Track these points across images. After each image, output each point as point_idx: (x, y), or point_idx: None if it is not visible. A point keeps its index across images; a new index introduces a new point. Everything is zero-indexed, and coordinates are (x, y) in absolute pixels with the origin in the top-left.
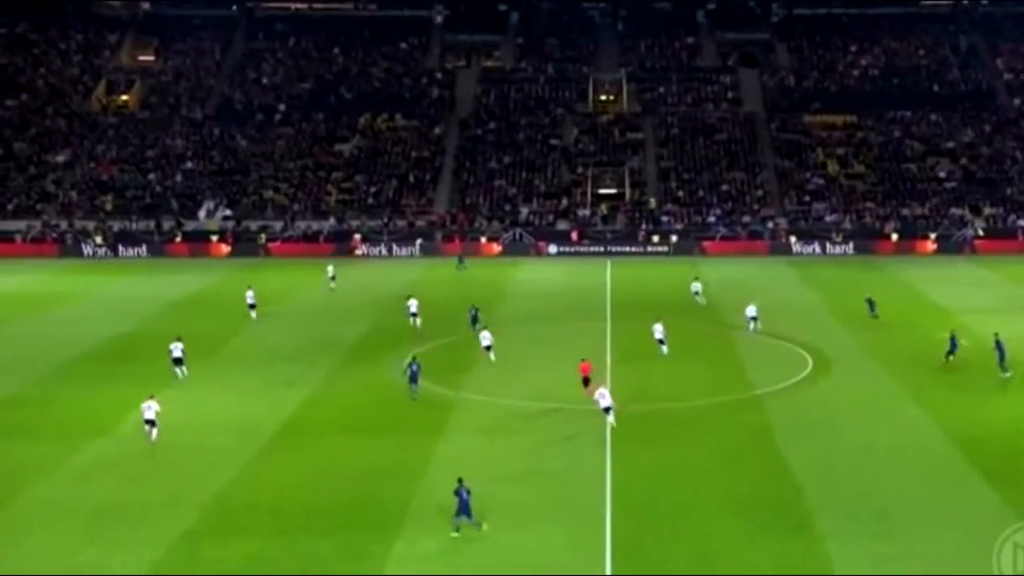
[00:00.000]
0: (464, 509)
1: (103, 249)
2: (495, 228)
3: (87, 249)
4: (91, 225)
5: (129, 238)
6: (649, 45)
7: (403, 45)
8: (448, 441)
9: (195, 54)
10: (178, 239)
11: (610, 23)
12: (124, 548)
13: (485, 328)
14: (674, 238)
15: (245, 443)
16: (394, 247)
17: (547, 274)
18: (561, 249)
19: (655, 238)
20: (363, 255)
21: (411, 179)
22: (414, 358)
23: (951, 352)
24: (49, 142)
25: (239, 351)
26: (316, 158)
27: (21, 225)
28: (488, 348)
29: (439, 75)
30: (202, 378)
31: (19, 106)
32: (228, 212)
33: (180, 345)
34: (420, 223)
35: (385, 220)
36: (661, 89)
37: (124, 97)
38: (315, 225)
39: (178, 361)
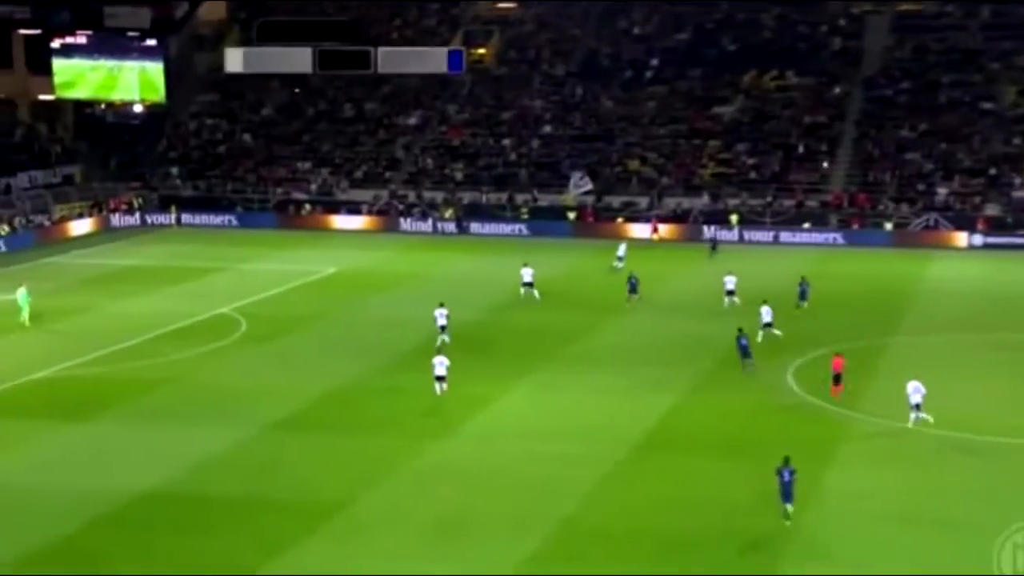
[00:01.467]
0: (785, 493)
1: (452, 224)
2: (903, 211)
3: (435, 224)
4: (439, 197)
5: (479, 212)
6: None
7: None
8: (836, 471)
9: (559, 1)
10: (524, 214)
11: None
12: (463, 565)
13: (766, 304)
14: None
15: (601, 455)
16: (781, 232)
17: (967, 270)
18: (988, 240)
19: None
20: (658, 240)
21: (801, 149)
22: (740, 331)
23: None
24: (400, 103)
25: (598, 346)
26: (691, 123)
27: (368, 195)
28: (768, 325)
29: (843, 22)
30: (558, 377)
31: None
32: (588, 186)
33: (444, 312)
34: (811, 203)
35: (769, 199)
36: None
37: (481, 51)
38: (685, 203)
39: (443, 328)
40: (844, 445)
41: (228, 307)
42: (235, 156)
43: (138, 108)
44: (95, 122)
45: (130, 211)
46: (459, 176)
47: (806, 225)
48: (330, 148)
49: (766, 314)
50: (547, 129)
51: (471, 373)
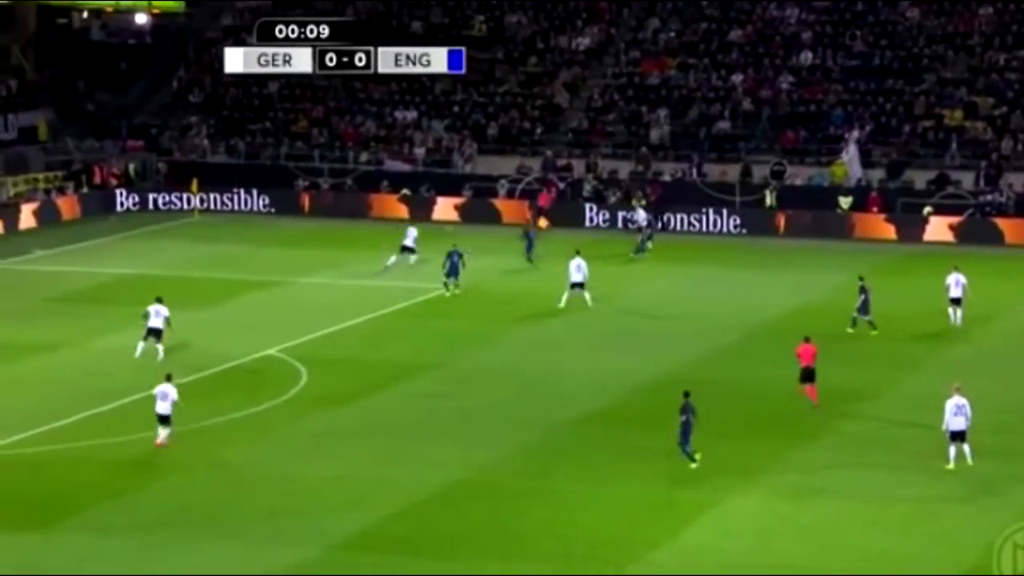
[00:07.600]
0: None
1: (640, 213)
2: None
3: (612, 213)
4: (624, 169)
5: (688, 194)
6: None
7: None
8: None
9: None
10: (768, 199)
11: None
12: None
13: None
14: None
15: None
16: None
17: None
18: None
19: None
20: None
21: None
22: (455, 246)
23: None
24: (563, 14)
25: (892, 418)
26: None
27: (509, 165)
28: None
29: None
30: (821, 473)
31: None
32: (855, 162)
33: (163, 312)
34: None
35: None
36: None
37: None
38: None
39: (153, 332)
40: None
41: (277, 347)
42: (295, 99)
43: (141, 19)
44: (71, 40)
45: (123, 185)
46: (656, 136)
47: None
48: (447, 87)
49: None
50: (807, 57)
51: (675, 461)
